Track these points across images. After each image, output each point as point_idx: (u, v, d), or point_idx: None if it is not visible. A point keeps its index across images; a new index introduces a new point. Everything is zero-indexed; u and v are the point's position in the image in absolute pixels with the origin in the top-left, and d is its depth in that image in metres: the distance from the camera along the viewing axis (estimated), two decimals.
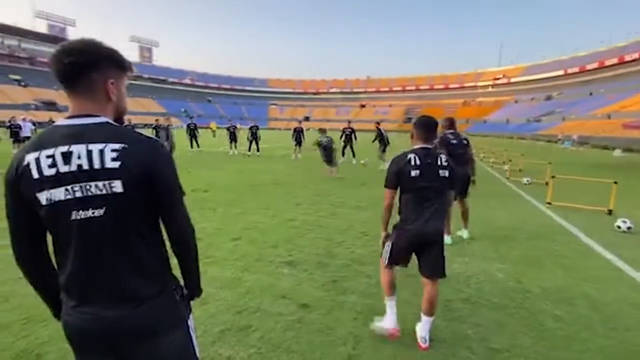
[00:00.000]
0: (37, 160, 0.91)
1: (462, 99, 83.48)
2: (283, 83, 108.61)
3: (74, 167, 0.92)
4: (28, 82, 60.61)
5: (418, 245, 2.31)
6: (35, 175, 0.91)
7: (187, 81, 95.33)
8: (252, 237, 4.49)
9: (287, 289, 3.11)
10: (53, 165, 0.91)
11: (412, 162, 2.22)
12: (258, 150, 15.43)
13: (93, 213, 0.94)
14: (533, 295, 3.14)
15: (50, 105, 54.57)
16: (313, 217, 5.49)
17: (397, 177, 2.26)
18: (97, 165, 0.93)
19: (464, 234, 4.65)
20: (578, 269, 3.74)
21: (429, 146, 2.33)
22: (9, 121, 14.45)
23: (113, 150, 0.94)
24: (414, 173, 2.21)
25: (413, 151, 2.29)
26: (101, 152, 0.93)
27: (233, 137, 15.98)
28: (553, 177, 7.10)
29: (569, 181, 7.98)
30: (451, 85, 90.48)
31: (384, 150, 12.25)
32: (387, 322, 2.42)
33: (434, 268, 2.33)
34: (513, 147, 24.34)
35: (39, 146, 0.93)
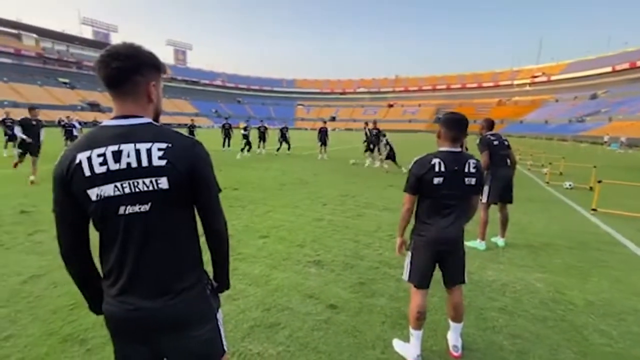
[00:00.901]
0: (89, 158, 0.96)
1: (496, 98, 79.78)
2: (310, 83, 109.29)
3: (123, 165, 0.97)
4: (75, 85, 65.32)
5: (438, 253, 2.13)
6: (87, 173, 0.96)
7: (218, 83, 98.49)
8: (279, 235, 4.55)
9: (315, 288, 3.12)
10: (104, 163, 0.96)
11: (437, 169, 2.01)
12: (289, 148, 16.02)
13: (139, 208, 0.99)
14: (576, 308, 2.93)
15: (94, 106, 58.49)
16: (340, 218, 5.47)
17: (418, 183, 2.07)
18: (145, 163, 0.98)
19: (500, 242, 4.42)
20: (627, 282, 3.45)
21: (457, 149, 2.08)
22: (62, 120, 15.60)
23: (159, 149, 0.99)
24: (437, 180, 2.01)
25: (438, 155, 2.06)
26: (148, 151, 0.98)
27: (262, 137, 16.33)
28: (599, 181, 6.59)
29: (617, 186, 7.38)
30: (485, 84, 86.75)
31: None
32: (410, 353, 2.20)
33: (454, 275, 2.21)
34: (553, 149, 22.95)
35: (89, 145, 0.98)
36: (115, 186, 0.97)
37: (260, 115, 67.37)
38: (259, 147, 16.28)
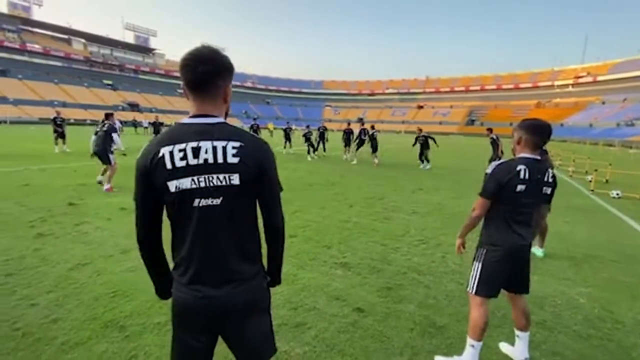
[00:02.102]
0: (171, 153, 1.03)
1: (535, 99, 75.48)
2: (338, 84, 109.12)
3: (201, 161, 1.04)
4: (117, 86, 69.51)
5: (511, 263, 2.04)
6: (169, 166, 1.03)
7: (249, 84, 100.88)
8: (307, 235, 4.57)
9: (341, 290, 3.11)
10: (184, 158, 1.03)
11: (521, 176, 1.92)
12: (325, 150, 16.19)
13: (212, 201, 1.06)
14: (625, 327, 2.71)
15: (134, 107, 61.93)
16: (366, 220, 5.41)
17: (499, 188, 1.96)
18: (220, 159, 1.05)
19: (538, 252, 4.18)
20: None
21: (539, 157, 2.01)
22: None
23: (234, 148, 1.06)
24: (519, 188, 1.93)
25: (524, 162, 1.97)
26: (224, 148, 1.05)
27: (288, 137, 16.55)
28: None
29: None
30: (522, 85, 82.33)
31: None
32: None
33: (524, 283, 2.13)
34: (598, 155, 21.38)
35: (171, 141, 1.05)
36: (192, 180, 1.04)
37: (288, 116, 68.21)
38: (284, 147, 16.51)
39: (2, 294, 2.83)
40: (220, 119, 1.11)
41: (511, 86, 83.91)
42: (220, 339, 1.22)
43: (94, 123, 43.55)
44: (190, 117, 1.10)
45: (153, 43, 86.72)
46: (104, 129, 7.25)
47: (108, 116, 7.75)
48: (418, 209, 6.24)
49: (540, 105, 72.56)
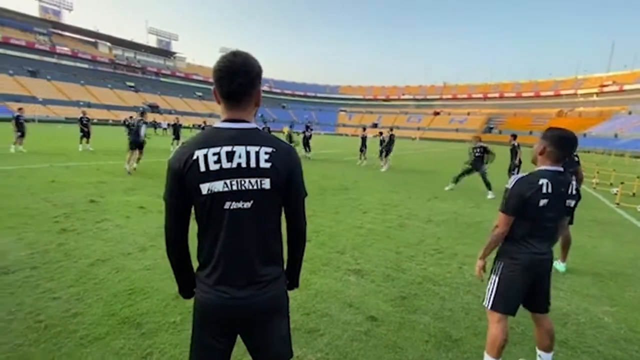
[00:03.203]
0: (205, 156, 1.06)
1: (556, 108, 73.40)
2: (353, 90, 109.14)
3: (234, 165, 1.07)
4: (139, 88, 71.76)
5: (532, 278, 1.97)
6: (202, 168, 1.05)
7: (265, 88, 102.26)
8: (320, 240, 4.56)
9: (354, 297, 3.07)
10: (218, 161, 1.06)
11: (544, 190, 1.85)
12: (365, 158, 15.12)
13: (243, 205, 1.09)
14: None
15: (154, 108, 63.70)
16: (380, 227, 5.35)
17: (522, 204, 1.88)
18: (253, 164, 1.08)
19: (560, 266, 4.03)
20: None
21: (561, 169, 1.93)
22: (127, 120, 17.22)
23: (266, 153, 1.09)
24: (542, 202, 1.86)
25: (546, 175, 1.89)
26: (257, 153, 1.08)
27: (306, 142, 16.65)
28: None
29: None
30: (543, 93, 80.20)
31: (386, 155, 13.75)
32: None
33: (545, 300, 2.05)
34: (624, 167, 20.54)
35: (206, 144, 1.07)
36: (225, 183, 1.07)
37: (303, 120, 68.69)
38: (305, 150, 16.57)
39: (27, 287, 2.94)
40: (253, 125, 1.14)
41: (532, 94, 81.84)
42: (237, 342, 1.23)
43: (116, 123, 45.11)
44: (224, 121, 1.13)
45: (174, 47, 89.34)
46: (139, 124, 9.64)
47: (143, 114, 9.98)
48: (433, 218, 6.13)
49: (562, 114, 70.46)
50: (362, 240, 4.69)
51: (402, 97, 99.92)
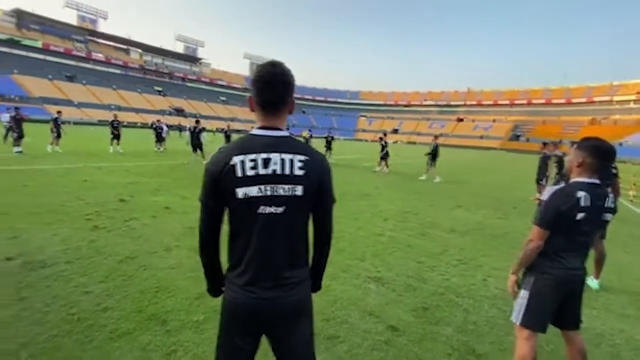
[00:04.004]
0: (242, 162, 1.10)
1: (589, 115, 69.94)
2: (375, 95, 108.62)
3: (269, 171, 1.11)
4: (166, 93, 74.65)
5: (565, 294, 1.89)
6: (239, 174, 1.10)
7: None
8: (339, 246, 4.54)
9: (375, 306, 3.04)
10: (254, 167, 1.11)
11: (582, 203, 1.77)
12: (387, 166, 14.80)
13: (275, 210, 1.13)
14: None
15: (180, 112, 66.01)
16: (401, 235, 5.27)
17: (558, 218, 1.80)
18: (287, 171, 1.12)
19: (593, 283, 3.81)
20: None
21: (598, 181, 1.85)
22: (154, 123, 17.91)
23: (300, 161, 1.14)
24: (580, 216, 1.78)
25: (583, 187, 1.81)
26: (291, 161, 1.13)
27: (328, 146, 16.73)
28: None
29: None
30: (575, 100, 76.69)
31: (382, 158, 13.78)
32: None
33: (576, 317, 1.96)
34: None
35: (243, 151, 1.12)
36: (259, 188, 1.11)
37: (324, 125, 68.96)
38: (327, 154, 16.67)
39: (62, 280, 3.10)
40: (286, 133, 1.19)
41: (563, 100, 78.37)
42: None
43: (144, 126, 47.03)
44: (259, 128, 1.18)
45: (200, 53, 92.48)
46: (196, 130, 12.74)
47: (197, 122, 13.02)
48: (457, 227, 5.97)
49: (595, 121, 67.06)
50: (383, 247, 4.64)
51: (425, 102, 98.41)
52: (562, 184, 1.91)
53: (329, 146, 16.63)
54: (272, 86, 1.12)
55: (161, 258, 3.73)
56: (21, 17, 62.86)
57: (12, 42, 58.82)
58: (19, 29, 62.08)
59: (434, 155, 12.72)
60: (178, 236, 4.45)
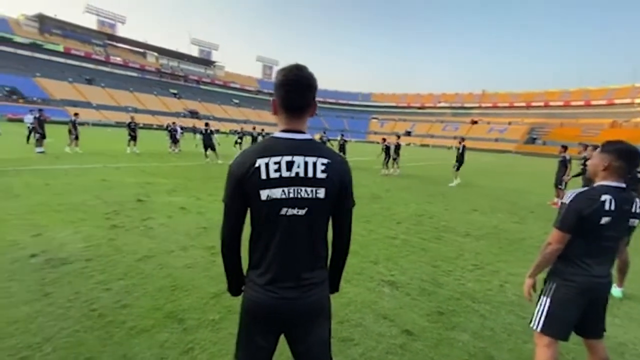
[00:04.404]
0: (267, 164, 1.12)
1: (609, 118, 67.77)
2: (387, 97, 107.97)
3: (293, 174, 1.13)
4: (181, 95, 76.07)
5: (585, 303, 1.83)
6: (263, 176, 1.12)
7: None
8: (352, 249, 4.44)
9: (389, 309, 3.01)
10: (278, 170, 1.12)
11: (607, 207, 1.72)
12: (399, 167, 14.82)
13: (298, 212, 1.15)
14: None
15: (194, 114, 67.16)
16: (415, 239, 5.22)
17: (580, 221, 1.75)
18: (310, 174, 1.14)
19: (616, 291, 3.69)
20: None
21: (624, 185, 1.79)
22: (169, 125, 18.31)
23: (322, 164, 1.15)
24: (604, 220, 1.72)
25: (609, 191, 1.76)
26: (314, 164, 1.15)
27: (342, 149, 16.70)
28: None
29: None
30: (595, 102, 74.45)
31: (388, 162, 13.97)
32: None
33: (597, 327, 1.91)
34: None
35: (267, 153, 1.14)
36: (283, 190, 1.13)
37: (335, 128, 68.95)
38: None
39: (83, 277, 3.20)
40: (308, 136, 1.20)
41: (581, 103, 76.19)
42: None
43: (159, 128, 48.06)
44: (282, 131, 1.19)
45: (214, 56, 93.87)
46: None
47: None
48: (472, 231, 5.87)
49: (616, 124, 64.92)
50: (396, 251, 4.60)
51: (438, 105, 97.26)
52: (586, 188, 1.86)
53: (342, 149, 16.59)
54: (299, 90, 1.14)
55: (177, 257, 3.80)
56: (44, 22, 65.26)
57: (35, 46, 61.13)
58: (42, 33, 64.45)
59: (461, 161, 12.14)
60: (193, 236, 4.52)
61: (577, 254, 1.82)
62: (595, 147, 7.93)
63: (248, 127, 24.67)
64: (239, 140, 19.22)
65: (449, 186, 11.62)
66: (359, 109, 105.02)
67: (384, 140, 14.46)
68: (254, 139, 17.87)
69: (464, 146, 12.33)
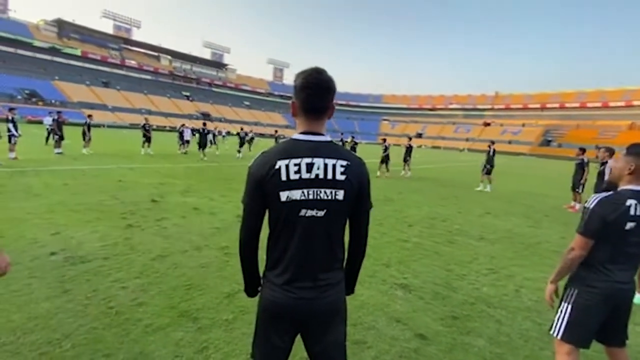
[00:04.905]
0: (287, 166, 1.13)
1: (627, 120, 65.76)
2: (398, 99, 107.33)
3: (312, 175, 1.14)
4: (193, 97, 77.30)
5: (607, 310, 1.78)
6: (284, 177, 1.13)
7: None
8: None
9: (402, 313, 2.98)
10: (298, 172, 1.13)
11: (632, 212, 1.68)
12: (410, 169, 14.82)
13: (317, 213, 1.16)
14: None
15: (206, 116, 68.03)
16: (428, 242, 5.16)
17: (604, 227, 1.70)
18: (329, 176, 1.15)
19: (638, 299, 3.56)
20: None
21: None
22: (179, 128, 18.61)
23: (341, 166, 1.16)
24: (629, 226, 1.68)
25: (634, 195, 1.71)
26: (334, 166, 1.15)
27: (353, 151, 16.70)
28: None
29: None
30: (612, 104, 72.39)
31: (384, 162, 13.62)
32: None
33: (619, 335, 1.86)
34: None
35: (287, 155, 1.15)
36: (302, 192, 1.14)
37: (345, 129, 68.86)
38: None
39: (101, 275, 3.27)
40: (327, 137, 1.21)
41: (598, 104, 74.20)
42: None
43: (172, 129, 48.92)
44: (302, 133, 1.20)
45: (226, 59, 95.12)
46: (204, 132, 15.53)
47: (205, 124, 15.71)
48: (486, 235, 5.77)
49: (634, 126, 62.93)
50: (409, 254, 4.56)
51: (450, 106, 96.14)
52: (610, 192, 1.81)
53: (353, 151, 16.59)
54: (319, 93, 1.15)
55: (191, 257, 3.85)
56: (62, 27, 67.35)
57: (53, 50, 63.12)
58: (60, 38, 66.51)
59: (491, 165, 11.45)
60: (207, 236, 4.58)
61: (600, 260, 1.77)
62: (607, 149, 7.60)
63: (258, 129, 25.01)
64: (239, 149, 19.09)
65: (475, 190, 11.24)
66: (369, 111, 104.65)
67: (384, 140, 14.31)
68: (242, 141, 18.46)
69: (494, 150, 11.72)
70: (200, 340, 2.39)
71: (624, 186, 1.78)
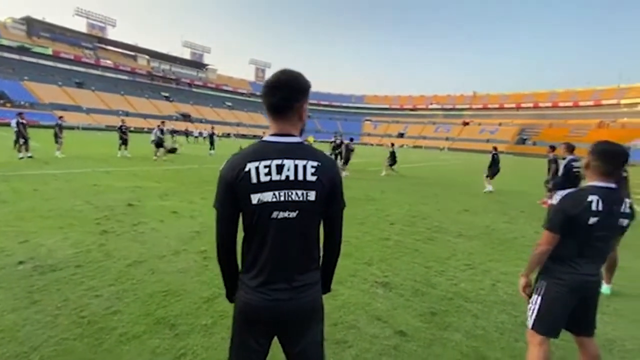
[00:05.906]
0: (257, 168, 1.12)
1: (596, 119, 69.18)
2: (379, 99, 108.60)
3: (283, 177, 1.13)
4: (173, 98, 75.47)
5: (575, 301, 1.86)
6: (254, 180, 1.12)
7: None
8: (346, 251, 4.52)
9: (382, 311, 3.02)
10: (268, 174, 1.13)
11: (594, 207, 1.74)
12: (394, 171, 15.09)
13: (289, 214, 1.15)
14: None
15: (186, 117, 66.65)
16: (408, 240, 5.24)
17: (568, 222, 1.77)
18: (300, 177, 1.15)
19: (605, 289, 3.75)
20: None
21: (613, 185, 1.80)
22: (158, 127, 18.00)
23: (312, 167, 1.16)
24: (592, 221, 1.74)
25: (596, 191, 1.78)
26: (304, 167, 1.15)
27: (338, 151, 16.59)
28: None
29: None
30: (582, 103, 75.96)
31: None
32: None
33: (588, 325, 1.94)
34: None
35: (257, 157, 1.14)
36: (274, 194, 1.13)
37: (329, 130, 69.06)
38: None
39: (73, 284, 3.14)
40: (298, 139, 1.21)
41: (570, 104, 77.70)
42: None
43: (150, 131, 47.50)
44: (272, 135, 1.19)
45: (206, 59, 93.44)
46: (162, 130, 14.94)
47: (163, 122, 15.19)
48: (464, 232, 5.92)
49: (603, 125, 66.28)
50: (390, 252, 4.62)
51: (430, 106, 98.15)
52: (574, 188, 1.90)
53: (348, 157, 16.44)
54: (275, 90, 1.15)
55: (169, 262, 3.76)
56: (32, 25, 64.29)
57: (22, 50, 60.13)
58: (30, 36, 63.47)
59: (497, 168, 11.36)
60: (186, 240, 4.48)
61: (568, 254, 1.84)
62: (568, 146, 7.70)
63: (242, 130, 24.60)
64: (211, 148, 19.55)
65: (483, 192, 10.96)
66: (352, 111, 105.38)
67: (392, 144, 15.30)
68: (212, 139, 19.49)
69: (497, 153, 11.56)
70: (177, 347, 2.34)
71: (588, 182, 1.86)
